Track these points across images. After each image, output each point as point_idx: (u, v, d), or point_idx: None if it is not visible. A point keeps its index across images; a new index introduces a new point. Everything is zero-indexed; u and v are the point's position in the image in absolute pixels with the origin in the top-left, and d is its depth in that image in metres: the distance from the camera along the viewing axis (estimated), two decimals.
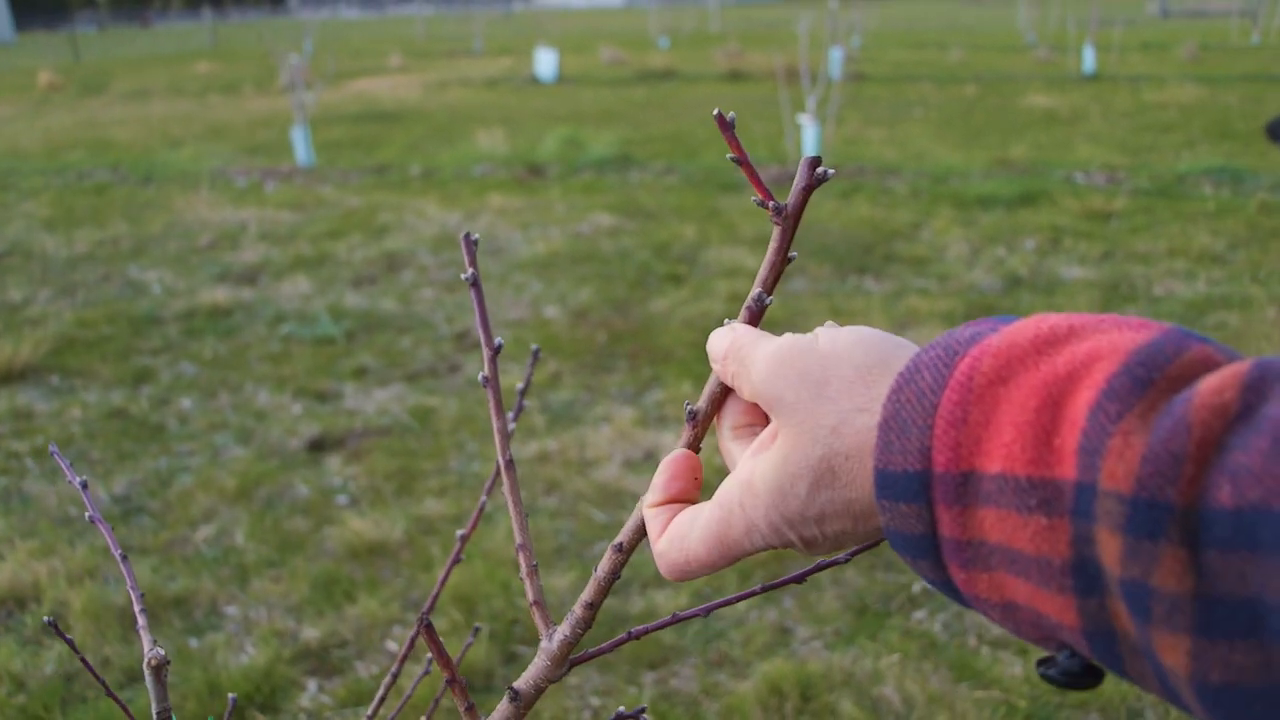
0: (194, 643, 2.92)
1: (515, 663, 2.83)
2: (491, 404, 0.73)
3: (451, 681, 0.66)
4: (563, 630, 0.66)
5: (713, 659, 2.80)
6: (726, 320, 0.60)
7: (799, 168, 0.56)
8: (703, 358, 5.04)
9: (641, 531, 0.63)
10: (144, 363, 5.09)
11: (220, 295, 6.04)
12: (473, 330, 5.47)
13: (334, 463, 4.03)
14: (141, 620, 0.78)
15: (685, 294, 5.97)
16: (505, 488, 0.71)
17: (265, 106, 15.55)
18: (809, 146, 9.30)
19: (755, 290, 0.59)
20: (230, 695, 0.84)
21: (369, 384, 4.82)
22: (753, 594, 0.65)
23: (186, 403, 4.63)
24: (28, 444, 4.19)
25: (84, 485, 0.88)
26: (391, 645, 2.90)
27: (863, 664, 2.74)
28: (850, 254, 6.66)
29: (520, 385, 0.71)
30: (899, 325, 5.37)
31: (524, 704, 0.67)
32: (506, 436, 0.70)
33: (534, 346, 0.82)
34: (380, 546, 3.38)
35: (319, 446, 4.18)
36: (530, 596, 0.68)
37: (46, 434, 4.29)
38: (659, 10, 42.44)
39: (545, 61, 18.84)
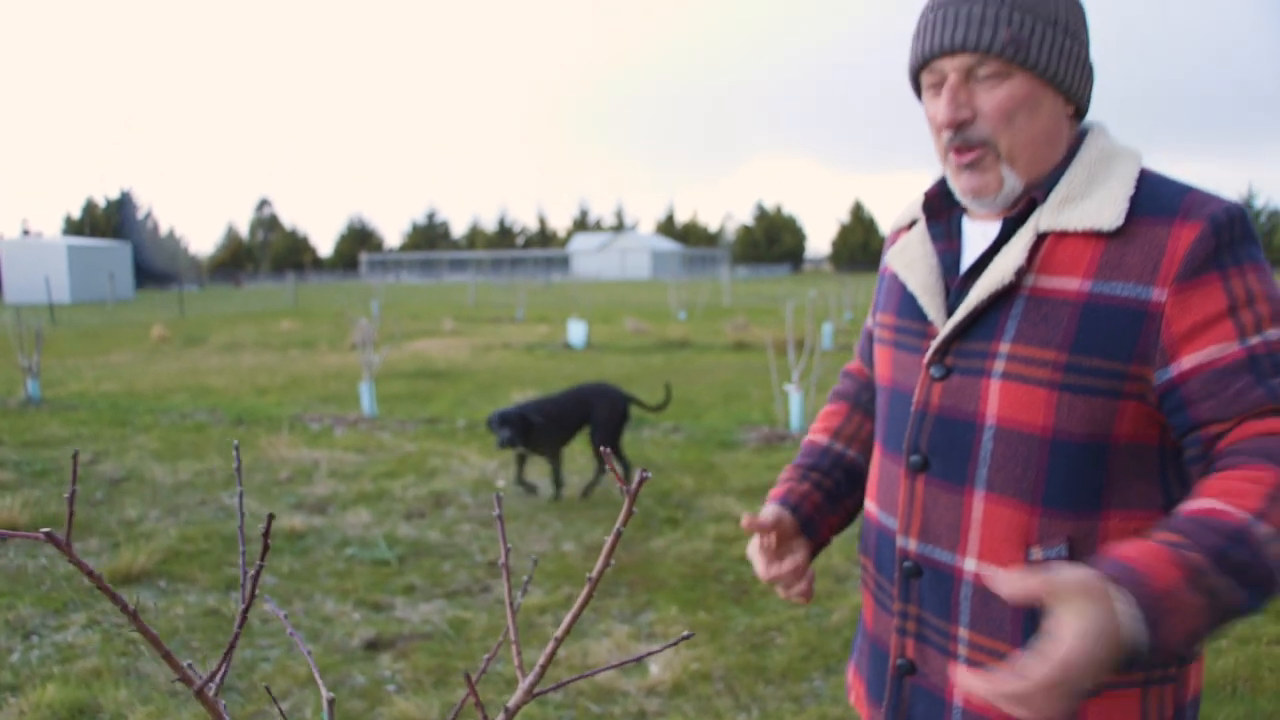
0: None
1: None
2: (499, 527, 1.35)
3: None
4: (529, 679, 1.24)
5: None
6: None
7: (634, 479, 1.09)
8: (689, 585, 5.58)
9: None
10: (233, 573, 5.68)
11: (296, 521, 6.67)
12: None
13: (385, 659, 4.56)
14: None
15: (680, 535, 6.55)
16: (505, 586, 1.26)
17: (337, 361, 16.61)
18: (795, 412, 10.03)
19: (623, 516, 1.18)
20: None
21: (416, 599, 5.38)
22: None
23: (267, 606, 5.18)
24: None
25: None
26: None
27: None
28: None
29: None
30: None
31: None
32: (506, 554, 1.33)
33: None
34: None
35: (374, 646, 4.72)
36: (516, 661, 1.28)
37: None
38: (678, 285, 44.50)
39: (576, 331, 20.06)
